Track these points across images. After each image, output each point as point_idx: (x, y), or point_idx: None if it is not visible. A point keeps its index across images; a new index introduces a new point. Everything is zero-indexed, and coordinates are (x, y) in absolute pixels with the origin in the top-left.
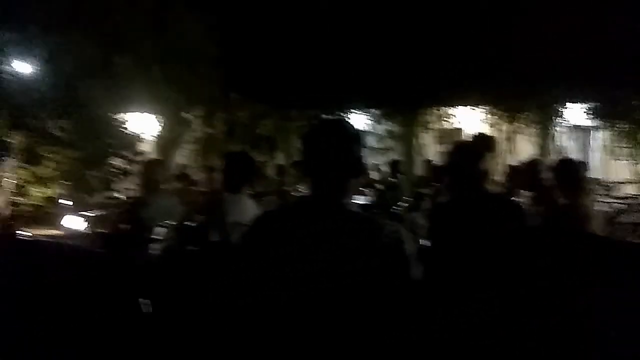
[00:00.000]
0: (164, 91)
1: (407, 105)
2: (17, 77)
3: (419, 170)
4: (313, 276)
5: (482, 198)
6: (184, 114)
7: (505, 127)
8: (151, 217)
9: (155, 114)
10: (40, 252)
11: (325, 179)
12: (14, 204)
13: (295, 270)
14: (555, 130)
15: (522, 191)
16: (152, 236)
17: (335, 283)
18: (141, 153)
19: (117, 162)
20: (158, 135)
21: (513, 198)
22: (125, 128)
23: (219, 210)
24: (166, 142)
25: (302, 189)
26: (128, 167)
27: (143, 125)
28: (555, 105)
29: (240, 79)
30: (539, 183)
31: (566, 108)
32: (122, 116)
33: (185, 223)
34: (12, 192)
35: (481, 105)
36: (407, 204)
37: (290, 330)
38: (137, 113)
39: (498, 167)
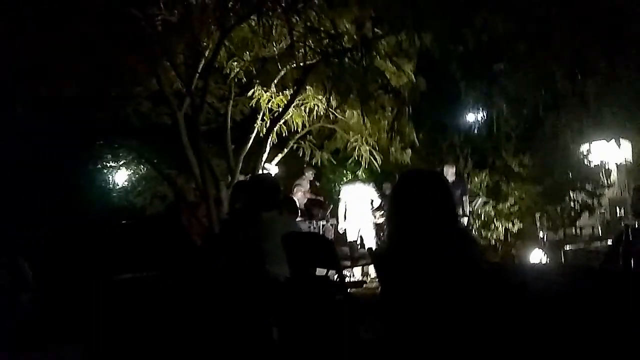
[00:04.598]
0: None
1: None
2: (480, 120)
3: None
4: None
5: None
6: None
7: None
8: None
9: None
10: None
11: None
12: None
13: None
14: None
15: None
16: None
17: None
18: (608, 185)
19: (579, 195)
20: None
21: None
22: (587, 158)
23: None
24: None
25: None
26: (591, 200)
27: (608, 153)
28: None
29: None
30: None
31: None
32: (585, 146)
33: None
34: (479, 226)
35: None
36: None
37: None
38: (600, 141)
39: None
